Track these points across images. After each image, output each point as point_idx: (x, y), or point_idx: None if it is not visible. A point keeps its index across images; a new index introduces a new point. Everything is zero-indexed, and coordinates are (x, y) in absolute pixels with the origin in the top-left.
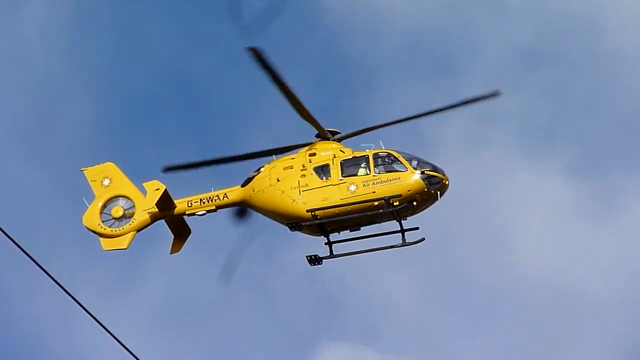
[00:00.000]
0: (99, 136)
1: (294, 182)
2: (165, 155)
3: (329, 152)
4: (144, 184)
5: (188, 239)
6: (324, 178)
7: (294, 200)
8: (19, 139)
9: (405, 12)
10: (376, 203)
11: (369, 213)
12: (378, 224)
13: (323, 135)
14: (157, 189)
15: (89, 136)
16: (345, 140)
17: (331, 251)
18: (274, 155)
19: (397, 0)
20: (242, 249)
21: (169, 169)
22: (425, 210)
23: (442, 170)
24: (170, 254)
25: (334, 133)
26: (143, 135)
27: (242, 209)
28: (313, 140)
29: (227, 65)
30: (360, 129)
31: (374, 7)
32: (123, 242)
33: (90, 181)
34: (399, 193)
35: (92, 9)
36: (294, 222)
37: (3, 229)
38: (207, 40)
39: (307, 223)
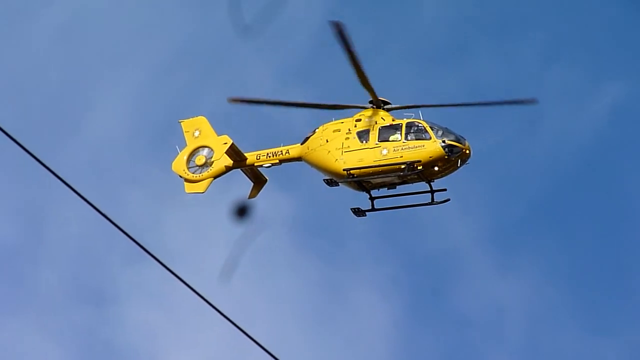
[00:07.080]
0: None
1: (339, 143)
2: None
3: (373, 118)
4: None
5: (264, 186)
6: (364, 142)
7: (336, 159)
8: None
9: None
10: (402, 166)
11: (397, 174)
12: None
13: (375, 103)
14: (225, 143)
15: None
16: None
17: (372, 205)
18: (333, 118)
19: None
20: (242, 247)
21: (235, 100)
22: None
23: (464, 141)
24: (248, 199)
25: (385, 103)
26: None
27: (242, 208)
28: (366, 106)
29: None
30: (410, 104)
31: None
32: (201, 186)
33: (184, 132)
34: (419, 159)
35: None
36: (331, 179)
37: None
38: None
39: (342, 180)
